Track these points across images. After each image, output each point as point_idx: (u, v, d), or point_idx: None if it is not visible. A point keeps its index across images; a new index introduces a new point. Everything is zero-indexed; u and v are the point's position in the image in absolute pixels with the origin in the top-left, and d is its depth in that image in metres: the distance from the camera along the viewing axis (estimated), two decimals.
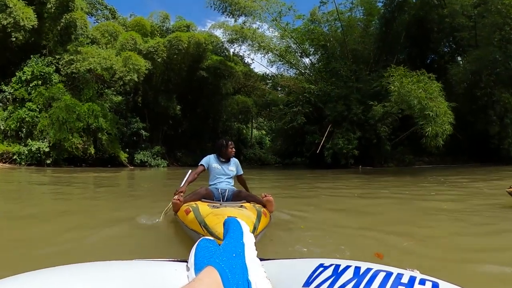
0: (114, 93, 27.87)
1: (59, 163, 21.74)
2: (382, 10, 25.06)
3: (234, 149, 4.60)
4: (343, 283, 0.87)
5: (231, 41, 29.16)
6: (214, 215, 2.89)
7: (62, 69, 22.89)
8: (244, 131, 41.76)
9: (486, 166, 19.02)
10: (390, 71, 16.56)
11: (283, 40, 28.11)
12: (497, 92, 20.22)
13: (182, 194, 3.94)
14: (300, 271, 1.02)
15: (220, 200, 4.14)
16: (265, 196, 3.91)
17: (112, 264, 1.13)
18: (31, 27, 21.13)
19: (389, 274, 0.86)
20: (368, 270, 0.89)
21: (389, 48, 25.58)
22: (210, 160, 4.53)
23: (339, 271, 0.93)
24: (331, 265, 0.97)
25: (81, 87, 23.78)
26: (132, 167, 24.66)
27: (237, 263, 1.00)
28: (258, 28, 27.97)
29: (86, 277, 0.99)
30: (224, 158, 4.53)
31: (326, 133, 21.97)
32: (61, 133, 20.90)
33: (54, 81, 23.00)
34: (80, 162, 23.01)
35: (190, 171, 4.90)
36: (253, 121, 41.05)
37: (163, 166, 26.12)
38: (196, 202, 3.66)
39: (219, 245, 1.18)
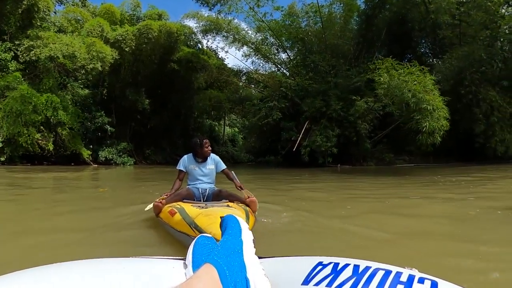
0: (81, 86, 26.45)
1: (14, 161, 19.97)
2: (363, 7, 24.51)
3: (210, 147, 4.43)
4: (342, 281, 0.84)
5: (205, 32, 27.61)
6: (205, 216, 2.83)
7: (21, 56, 20.95)
8: (217, 128, 40.41)
9: (472, 165, 18.46)
10: (377, 63, 15.47)
11: (260, 33, 26.78)
12: (483, 90, 19.70)
13: (162, 196, 3.88)
14: (299, 269, 0.99)
15: (200, 200, 4.13)
16: (248, 197, 3.85)
17: (110, 261, 1.11)
18: None
19: (388, 272, 0.83)
20: (367, 268, 0.86)
21: (369, 44, 24.84)
22: (186, 162, 4.41)
23: (338, 269, 0.90)
24: (330, 263, 0.94)
25: (41, 76, 21.96)
26: (96, 165, 22.94)
27: (235, 261, 0.98)
28: (233, 19, 26.61)
29: (84, 273, 0.97)
30: (201, 158, 4.39)
31: (303, 130, 20.83)
32: (16, 126, 19.14)
33: (11, 68, 21.31)
34: (41, 160, 21.29)
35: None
36: (226, 118, 39.66)
37: (129, 164, 24.47)
38: (179, 203, 3.57)
39: (217, 242, 1.14)
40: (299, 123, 21.53)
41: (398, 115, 19.51)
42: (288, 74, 26.40)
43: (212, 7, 24.89)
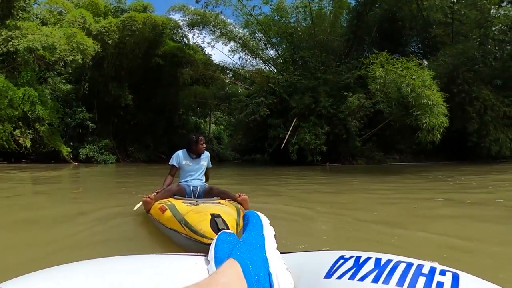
0: (63, 81, 25.71)
1: None
2: (354, 3, 24.07)
3: (205, 145, 4.45)
4: (364, 274, 0.84)
5: (191, 25, 26.63)
6: (196, 213, 2.74)
7: None
8: (202, 125, 39.49)
9: (466, 164, 17.98)
10: (371, 58, 14.80)
11: (247, 28, 26.00)
12: (476, 88, 19.28)
13: (152, 193, 3.86)
14: (321, 263, 0.98)
15: (191, 197, 4.08)
16: (240, 195, 3.84)
17: (134, 258, 1.12)
18: None
19: (409, 265, 0.83)
20: (389, 261, 0.87)
21: (360, 41, 24.37)
22: (179, 157, 4.43)
23: (360, 262, 0.90)
24: (351, 256, 0.94)
25: (20, 69, 20.88)
26: (76, 163, 21.92)
27: (257, 256, 0.99)
28: (221, 12, 25.76)
29: (108, 271, 0.99)
30: (195, 154, 4.43)
31: (292, 127, 20.17)
32: None
33: None
34: (19, 158, 20.24)
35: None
36: (212, 115, 38.86)
37: (111, 162, 23.48)
38: (170, 200, 3.54)
39: (238, 238, 1.16)
40: (287, 120, 20.93)
41: (389, 113, 19.02)
42: (276, 71, 25.69)
43: (199, 0, 24.09)
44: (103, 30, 22.54)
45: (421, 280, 0.77)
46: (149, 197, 3.61)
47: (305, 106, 20.20)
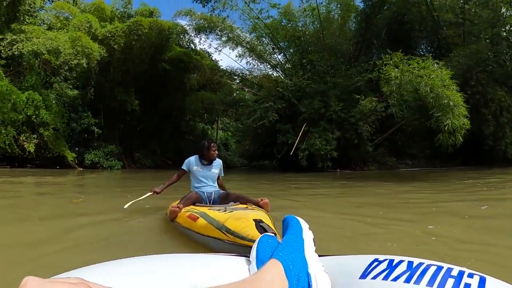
0: (70, 86, 25.53)
1: None
2: (362, 6, 23.24)
3: (217, 151, 4.46)
4: (397, 275, 0.87)
5: (198, 30, 25.94)
6: (235, 220, 2.73)
7: (3, 50, 19.27)
8: (209, 131, 38.76)
9: (484, 168, 17.18)
10: (385, 58, 14.00)
11: (254, 32, 25.36)
12: (491, 90, 18.49)
13: (154, 194, 4.46)
14: (356, 265, 1.00)
15: (207, 203, 4.11)
16: (262, 200, 3.83)
17: (179, 256, 1.17)
18: None
19: (440, 268, 0.85)
20: (420, 264, 0.88)
21: (369, 44, 23.54)
22: (191, 163, 4.45)
23: (393, 264, 0.92)
24: (385, 259, 0.96)
25: (24, 73, 20.49)
26: (81, 169, 21.30)
27: (297, 257, 1.02)
28: (228, 16, 25.12)
29: (157, 267, 1.02)
30: (207, 161, 4.43)
31: (301, 132, 19.40)
32: None
33: None
34: (24, 162, 19.66)
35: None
36: (219, 121, 38.17)
37: (116, 168, 22.76)
38: (195, 208, 3.59)
39: (279, 241, 1.16)
40: (297, 125, 20.20)
41: (401, 117, 18.32)
42: (284, 75, 24.97)
43: (206, 4, 23.51)
44: (109, 35, 22.03)
45: (450, 282, 0.79)
46: (177, 207, 3.60)
47: (315, 111, 19.46)
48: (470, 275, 0.81)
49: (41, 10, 23.89)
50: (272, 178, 15.43)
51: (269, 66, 26.95)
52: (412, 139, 21.62)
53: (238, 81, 31.00)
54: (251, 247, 2.22)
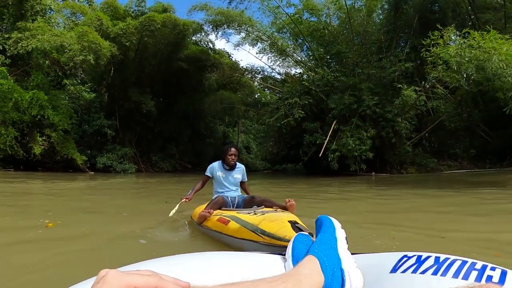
0: (88, 90, 24.41)
1: None
2: None
3: (234, 157, 4.29)
4: (425, 269, 0.89)
5: (215, 24, 23.13)
6: (270, 222, 2.75)
7: (8, 49, 17.35)
8: (231, 134, 36.13)
9: None
10: (433, 36, 11.03)
11: (275, 25, 22.49)
12: None
13: (187, 200, 4.29)
14: (387, 262, 1.02)
15: (231, 207, 4.06)
16: (289, 201, 3.74)
17: (218, 254, 1.15)
18: None
19: (464, 262, 0.86)
20: (447, 259, 0.90)
21: (400, 32, 20.32)
22: (214, 169, 4.38)
23: (421, 259, 0.93)
24: (414, 255, 0.97)
25: (31, 73, 18.71)
26: (93, 172, 19.07)
27: (332, 254, 1.03)
28: (246, 9, 22.38)
29: (200, 264, 1.03)
30: (228, 166, 4.33)
31: (331, 131, 16.49)
32: None
33: None
34: (34, 165, 17.85)
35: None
36: (240, 124, 35.55)
37: (130, 172, 20.34)
38: (225, 212, 3.58)
39: (313, 240, 1.15)
40: (325, 124, 17.33)
41: (443, 111, 15.26)
42: (311, 67, 22.00)
43: None
44: (121, 32, 19.70)
45: (474, 274, 0.81)
46: (208, 211, 3.59)
47: (346, 107, 16.54)
48: (493, 269, 0.82)
49: (51, 12, 22.01)
50: (304, 182, 12.74)
51: (292, 61, 23.88)
52: (453, 137, 18.47)
53: (259, 77, 28.18)
54: (286, 247, 1.97)
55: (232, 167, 4.33)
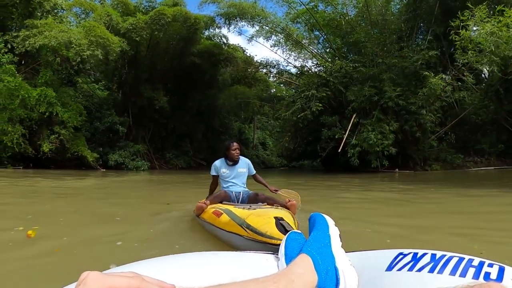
0: (102, 88, 24.03)
1: (2, 163, 16.17)
2: None
3: (237, 151, 4.16)
4: (422, 266, 0.86)
5: (227, 17, 22.05)
6: (257, 216, 2.70)
7: (16, 47, 16.85)
8: (246, 131, 35.10)
9: None
10: (463, 16, 9.82)
11: (289, 17, 21.31)
12: None
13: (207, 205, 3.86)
14: (382, 259, 0.98)
15: (236, 202, 3.95)
16: (289, 201, 3.61)
17: (209, 254, 1.11)
18: None
19: (461, 259, 0.84)
20: (443, 256, 0.87)
21: (420, 21, 18.86)
22: (217, 166, 4.26)
23: (417, 257, 0.90)
24: (409, 252, 0.94)
25: (40, 70, 18.25)
26: (104, 170, 18.38)
27: (325, 252, 1.00)
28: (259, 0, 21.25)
29: (187, 265, 0.99)
30: (231, 161, 4.21)
31: (350, 125, 15.30)
32: None
33: (2, 60, 17.20)
34: (45, 163, 17.33)
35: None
36: (256, 120, 34.52)
37: (143, 169, 19.51)
38: (223, 205, 3.49)
39: (306, 238, 1.13)
40: (344, 117, 16.17)
41: (470, 102, 13.96)
42: (328, 57, 20.79)
43: None
44: (131, 28, 18.90)
45: (471, 271, 0.79)
46: (204, 203, 3.55)
47: (366, 99, 15.31)
48: (490, 265, 0.80)
49: (63, 11, 21.62)
50: (321, 178, 11.63)
51: (308, 53, 22.58)
52: (480, 132, 17.07)
53: (274, 71, 27.08)
54: (268, 244, 2.33)
55: (235, 162, 4.20)
